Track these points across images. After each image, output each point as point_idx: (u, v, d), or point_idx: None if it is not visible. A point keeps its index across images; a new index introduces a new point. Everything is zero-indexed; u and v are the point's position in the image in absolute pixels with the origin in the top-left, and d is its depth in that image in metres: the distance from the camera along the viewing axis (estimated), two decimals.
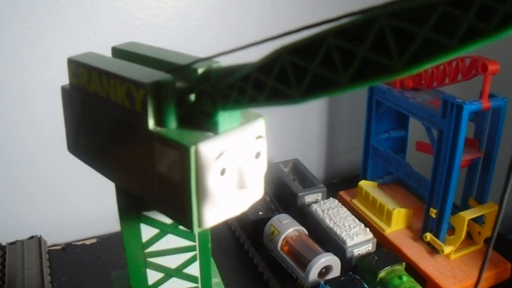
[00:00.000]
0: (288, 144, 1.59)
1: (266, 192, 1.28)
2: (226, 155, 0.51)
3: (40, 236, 1.27)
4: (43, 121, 1.21)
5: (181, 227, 0.66)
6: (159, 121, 0.54)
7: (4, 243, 1.25)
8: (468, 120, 1.08)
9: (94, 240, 1.32)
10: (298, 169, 1.44)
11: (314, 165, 1.63)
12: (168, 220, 0.65)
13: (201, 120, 0.53)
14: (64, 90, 0.66)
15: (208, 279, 0.71)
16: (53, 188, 1.32)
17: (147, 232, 0.65)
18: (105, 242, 1.31)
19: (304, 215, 1.28)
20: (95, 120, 0.62)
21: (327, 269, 1.06)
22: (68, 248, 1.30)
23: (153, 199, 0.57)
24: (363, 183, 1.38)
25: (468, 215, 1.12)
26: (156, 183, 0.55)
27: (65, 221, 1.35)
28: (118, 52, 0.65)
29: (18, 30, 1.13)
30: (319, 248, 1.08)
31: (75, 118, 0.65)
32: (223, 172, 0.51)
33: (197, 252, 0.69)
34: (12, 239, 1.25)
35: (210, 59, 0.54)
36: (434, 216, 1.17)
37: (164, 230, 0.65)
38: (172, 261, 0.68)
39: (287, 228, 1.13)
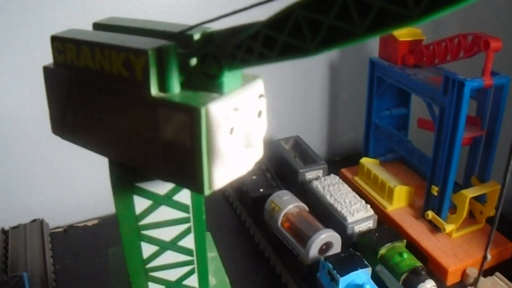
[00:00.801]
0: (289, 122, 1.58)
1: (267, 169, 1.30)
2: (235, 114, 0.51)
3: (42, 219, 1.27)
4: (43, 103, 1.21)
5: (174, 198, 0.65)
6: (162, 87, 0.53)
7: (6, 228, 1.25)
8: (470, 97, 1.06)
9: (96, 221, 1.32)
10: (299, 146, 1.44)
11: (316, 143, 1.63)
12: (161, 192, 0.64)
13: (204, 83, 0.53)
14: (47, 70, 0.65)
15: (203, 252, 0.70)
16: (54, 170, 1.32)
17: (140, 204, 0.64)
18: (107, 222, 1.31)
19: (305, 192, 1.28)
20: (87, 96, 0.61)
21: (327, 245, 1.05)
22: (70, 230, 1.30)
23: (156, 168, 0.57)
24: (364, 160, 1.38)
25: (470, 193, 1.12)
26: (160, 151, 0.55)
27: (67, 204, 1.35)
28: (101, 27, 0.64)
29: None
30: (319, 225, 1.07)
31: (62, 97, 0.64)
32: (232, 131, 0.51)
33: (191, 224, 0.68)
34: (15, 223, 1.26)
35: (208, 23, 0.53)
36: (435, 194, 1.17)
37: (157, 202, 0.65)
38: (167, 234, 0.68)
39: (288, 205, 1.13)
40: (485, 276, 1.08)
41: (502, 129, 1.15)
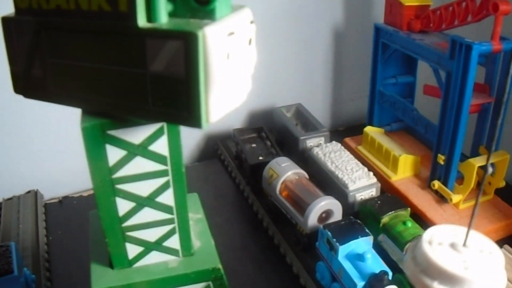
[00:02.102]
0: (292, 89, 1.54)
1: (267, 137, 1.26)
2: (230, 39, 0.50)
3: (37, 190, 1.25)
4: None
5: (150, 148, 0.61)
6: (149, 17, 0.50)
7: (0, 200, 1.22)
8: (478, 64, 1.02)
9: (91, 191, 1.28)
10: (301, 114, 1.39)
11: (319, 112, 1.57)
12: (136, 141, 0.60)
13: (194, 10, 0.50)
14: (7, 20, 0.60)
15: (184, 209, 0.66)
16: (50, 141, 1.29)
17: (113, 154, 0.60)
18: None
19: (305, 160, 1.23)
20: (59, 42, 0.57)
21: (327, 214, 1.01)
22: (66, 201, 1.27)
23: (144, 109, 0.54)
24: (368, 129, 1.34)
25: (477, 162, 1.08)
26: (149, 87, 0.52)
27: (62, 174, 1.32)
28: None
29: None
30: (319, 192, 1.03)
31: (27, 49, 0.59)
32: (228, 56, 0.50)
33: (169, 178, 0.64)
34: (10, 195, 1.23)
35: None
36: (442, 162, 1.13)
37: (132, 152, 0.60)
38: (143, 189, 0.64)
39: (286, 171, 1.08)
40: None
41: None
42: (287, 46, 1.48)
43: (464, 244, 0.60)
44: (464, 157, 1.13)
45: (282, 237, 1.07)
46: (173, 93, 0.50)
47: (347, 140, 1.41)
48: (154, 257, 0.69)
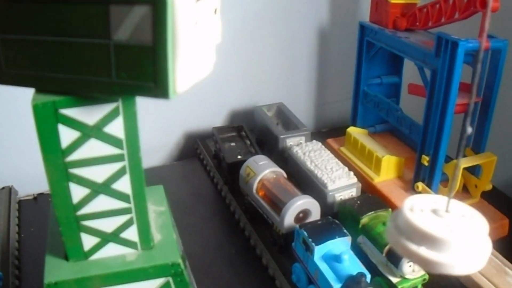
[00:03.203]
0: (274, 88, 1.51)
1: (246, 136, 1.22)
2: (197, 5, 0.48)
3: (11, 186, 1.22)
4: None
5: (105, 129, 0.57)
6: None
7: None
8: (465, 63, 1.00)
9: None
10: (282, 113, 1.35)
11: (303, 114, 1.53)
12: (90, 121, 0.56)
13: None
14: None
15: (141, 198, 0.62)
16: (26, 136, 1.24)
17: (66, 136, 0.56)
18: None
19: (285, 160, 1.20)
20: (8, 14, 0.52)
21: (305, 214, 0.97)
22: (40, 198, 1.23)
23: (105, 82, 0.51)
24: (351, 130, 1.30)
25: (463, 163, 1.04)
26: (112, 59, 0.49)
27: (39, 171, 1.28)
28: None
29: None
30: (296, 191, 0.99)
31: None
32: (196, 23, 0.48)
33: (125, 163, 0.59)
34: None
35: None
36: (426, 163, 1.09)
37: (86, 134, 0.56)
38: (98, 174, 0.59)
39: (264, 170, 1.04)
40: None
41: (499, 97, 1.07)
42: (270, 44, 1.45)
43: (446, 210, 0.57)
44: (449, 159, 1.10)
45: (259, 238, 1.04)
46: (139, 63, 0.48)
47: (330, 141, 1.37)
48: (111, 250, 0.64)
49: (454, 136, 1.06)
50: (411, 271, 0.87)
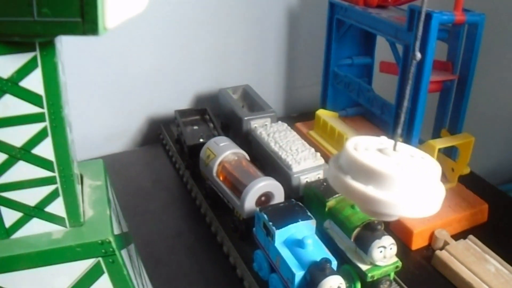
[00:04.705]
0: (241, 72, 1.45)
1: (210, 119, 1.15)
2: None
3: None
4: None
5: (22, 84, 0.50)
6: None
7: None
8: (440, 39, 0.96)
9: None
10: (248, 96, 1.29)
11: (272, 98, 1.47)
12: (4, 74, 0.49)
13: None
14: None
15: (67, 166, 0.55)
16: None
17: None
18: None
19: (250, 143, 1.13)
20: None
21: (267, 197, 0.91)
22: None
23: (25, 22, 0.45)
24: (321, 112, 1.24)
25: (438, 143, 0.99)
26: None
27: None
28: None
29: None
30: (258, 173, 0.93)
31: None
32: None
33: (47, 123, 0.52)
34: None
35: None
36: None
37: (0, 89, 0.49)
38: (16, 137, 0.52)
39: (224, 151, 0.98)
40: (457, 239, 0.95)
41: (477, 75, 1.02)
42: (236, 25, 1.39)
43: (394, 149, 0.51)
44: (423, 142, 1.04)
45: (220, 225, 0.97)
46: None
47: (298, 125, 1.32)
48: (36, 226, 0.57)
49: (429, 119, 1.03)
50: (382, 257, 0.79)
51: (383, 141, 0.55)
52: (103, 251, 0.56)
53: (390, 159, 0.51)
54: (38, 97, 0.51)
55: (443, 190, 0.52)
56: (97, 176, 0.67)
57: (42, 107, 0.51)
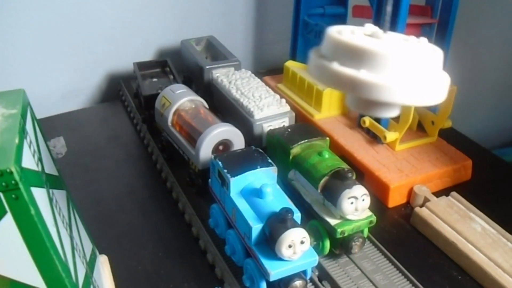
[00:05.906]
0: (206, 23, 1.36)
1: (170, 71, 1.07)
2: None
3: None
4: None
5: None
6: None
7: None
8: None
9: None
10: (212, 47, 1.20)
11: (240, 54, 1.36)
12: None
13: None
14: None
15: None
16: None
17: None
18: None
19: (211, 93, 1.04)
20: None
21: (225, 146, 0.83)
22: None
23: None
24: (290, 64, 1.16)
25: None
26: None
27: None
28: None
29: None
30: (217, 120, 0.84)
31: None
32: None
33: None
34: None
35: None
36: None
37: None
38: None
39: (180, 98, 0.90)
40: (439, 196, 0.88)
41: (458, 18, 0.96)
42: None
43: (384, 32, 0.43)
44: None
45: (175, 180, 0.90)
46: None
47: (266, 78, 1.24)
48: None
49: None
50: (353, 210, 0.71)
51: (370, 27, 0.46)
52: (3, 184, 0.45)
53: (381, 41, 0.42)
54: None
55: (448, 77, 0.43)
56: (13, 105, 0.57)
57: None
